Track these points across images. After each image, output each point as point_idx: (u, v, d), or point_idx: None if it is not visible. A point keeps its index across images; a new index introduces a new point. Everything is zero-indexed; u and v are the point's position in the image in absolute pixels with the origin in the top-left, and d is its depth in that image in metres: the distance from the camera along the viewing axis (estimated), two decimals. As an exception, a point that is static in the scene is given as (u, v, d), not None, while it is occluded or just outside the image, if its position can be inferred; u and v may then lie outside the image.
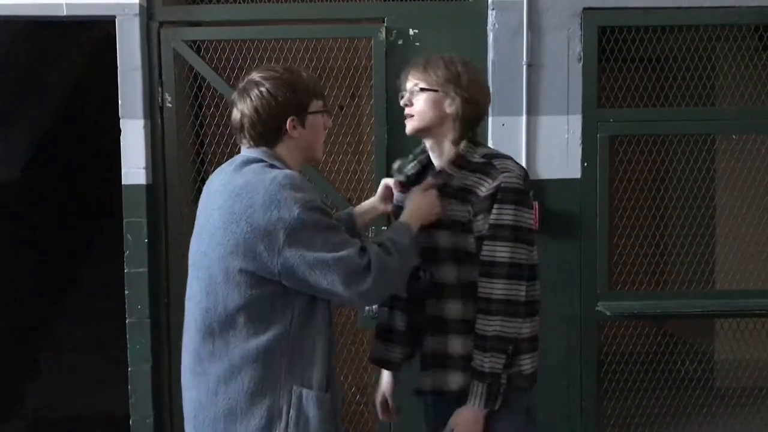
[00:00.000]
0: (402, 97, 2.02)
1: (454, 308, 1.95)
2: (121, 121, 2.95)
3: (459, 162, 1.96)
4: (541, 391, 2.38)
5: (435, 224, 1.96)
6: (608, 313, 3.02)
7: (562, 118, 3.00)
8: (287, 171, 1.74)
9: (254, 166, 1.78)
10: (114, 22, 2.92)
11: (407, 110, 1.99)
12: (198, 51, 3.08)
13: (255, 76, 1.81)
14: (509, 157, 1.99)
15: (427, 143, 2.05)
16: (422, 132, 2.00)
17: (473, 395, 1.88)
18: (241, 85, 1.83)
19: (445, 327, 1.96)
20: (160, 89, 3.00)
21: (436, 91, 1.95)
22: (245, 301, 1.72)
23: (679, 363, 5.15)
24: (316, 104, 1.83)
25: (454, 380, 1.94)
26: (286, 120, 1.78)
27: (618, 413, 3.91)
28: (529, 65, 2.99)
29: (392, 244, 1.79)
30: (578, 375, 3.09)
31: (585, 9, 2.98)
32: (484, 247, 1.89)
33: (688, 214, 3.89)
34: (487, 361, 1.87)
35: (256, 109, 1.78)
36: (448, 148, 1.99)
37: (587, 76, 3.00)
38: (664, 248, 4.12)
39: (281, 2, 3.15)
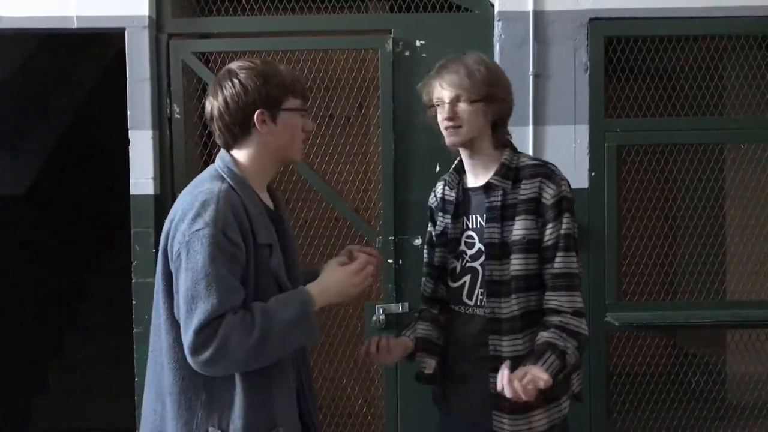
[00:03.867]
0: (437, 107, 1.95)
1: (528, 341, 1.87)
2: (129, 131, 2.97)
3: (505, 172, 1.92)
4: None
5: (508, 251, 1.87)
6: (617, 324, 3.00)
7: (569, 128, 3.00)
8: (216, 188, 1.64)
9: (203, 175, 1.74)
10: (124, 34, 2.95)
11: (450, 123, 1.92)
12: (206, 62, 3.10)
13: (231, 66, 1.75)
14: (557, 167, 1.98)
15: (467, 153, 2.00)
16: (464, 144, 1.96)
17: (545, 361, 1.75)
18: (216, 76, 1.78)
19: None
20: (168, 100, 3.02)
21: (482, 100, 1.91)
22: (168, 326, 1.66)
23: (690, 376, 5.10)
24: (292, 102, 1.73)
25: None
26: (254, 113, 1.69)
27: (628, 426, 3.87)
28: (536, 76, 2.99)
29: (262, 318, 1.59)
30: (588, 387, 3.06)
31: (591, 19, 2.99)
32: (558, 258, 1.84)
33: (698, 223, 3.87)
34: (571, 351, 1.80)
35: (225, 100, 1.70)
36: (491, 155, 1.96)
37: (594, 86, 3.00)
38: (673, 258, 4.10)
39: (289, 14, 3.18)
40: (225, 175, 1.70)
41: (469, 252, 1.98)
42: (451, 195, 2.06)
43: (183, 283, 1.58)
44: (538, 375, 1.67)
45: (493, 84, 1.92)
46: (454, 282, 2.01)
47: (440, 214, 2.09)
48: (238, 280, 1.61)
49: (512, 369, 1.79)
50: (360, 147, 3.24)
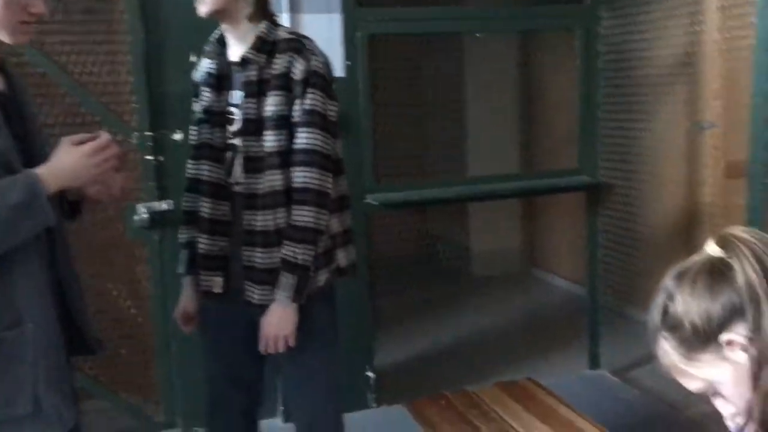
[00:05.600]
0: None
1: (281, 217, 1.88)
2: None
3: (260, 46, 1.88)
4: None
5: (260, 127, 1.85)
6: (376, 204, 3.20)
7: (324, 17, 3.03)
8: None
9: None
10: None
11: None
12: None
13: None
14: (313, 41, 1.94)
15: (224, 26, 1.94)
16: (218, 14, 1.88)
17: (283, 287, 1.86)
18: None
19: (258, 240, 1.90)
20: None
21: None
22: None
23: (440, 256, 5.65)
24: None
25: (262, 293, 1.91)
26: None
27: (388, 306, 4.21)
28: (290, -38, 2.96)
29: None
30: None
31: None
32: (299, 134, 1.85)
33: (442, 109, 4.18)
34: (300, 253, 1.85)
35: None
36: (247, 27, 1.90)
37: (345, -26, 3.05)
38: (422, 142, 4.41)
39: None
40: None
41: (231, 128, 1.96)
42: (213, 68, 2.00)
43: None
44: (277, 335, 1.88)
45: None
46: (219, 159, 1.98)
47: (205, 88, 2.02)
48: None
49: (265, 244, 1.89)
50: (107, 35, 2.99)
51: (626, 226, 3.54)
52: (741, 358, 0.97)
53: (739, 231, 0.99)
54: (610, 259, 3.60)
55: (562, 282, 5.09)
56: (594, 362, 3.65)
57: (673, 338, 1.01)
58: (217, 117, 1.98)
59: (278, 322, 1.88)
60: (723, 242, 0.99)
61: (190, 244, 2.07)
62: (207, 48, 2.03)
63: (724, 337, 0.97)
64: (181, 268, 2.13)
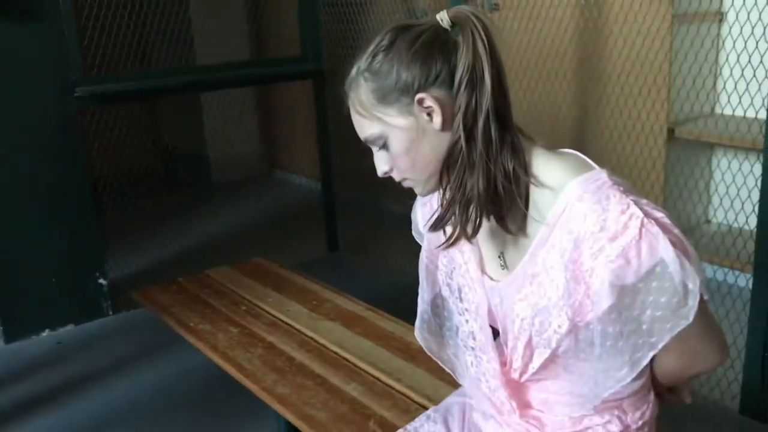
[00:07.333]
0: None
1: None
2: None
3: None
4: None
5: None
6: (87, 96, 2.92)
7: None
8: None
9: None
10: None
11: None
12: None
13: None
14: None
15: None
16: None
17: None
18: None
19: None
20: None
21: None
22: None
23: (177, 168, 5.41)
24: None
25: None
26: None
27: (125, 220, 3.94)
28: None
29: None
30: (69, 185, 2.98)
31: None
32: None
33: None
34: None
35: None
36: None
37: None
38: (143, 28, 4.03)
39: None
40: None
41: None
42: None
43: None
44: None
45: None
46: None
47: None
48: None
49: None
50: None
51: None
52: (425, 119, 1.00)
53: (476, 11, 0.99)
54: (342, 149, 3.66)
55: (303, 180, 5.15)
56: (332, 245, 3.78)
57: (374, 82, 1.01)
58: None
59: None
60: (457, 19, 0.99)
61: None
62: None
63: (420, 95, 0.99)
64: None
